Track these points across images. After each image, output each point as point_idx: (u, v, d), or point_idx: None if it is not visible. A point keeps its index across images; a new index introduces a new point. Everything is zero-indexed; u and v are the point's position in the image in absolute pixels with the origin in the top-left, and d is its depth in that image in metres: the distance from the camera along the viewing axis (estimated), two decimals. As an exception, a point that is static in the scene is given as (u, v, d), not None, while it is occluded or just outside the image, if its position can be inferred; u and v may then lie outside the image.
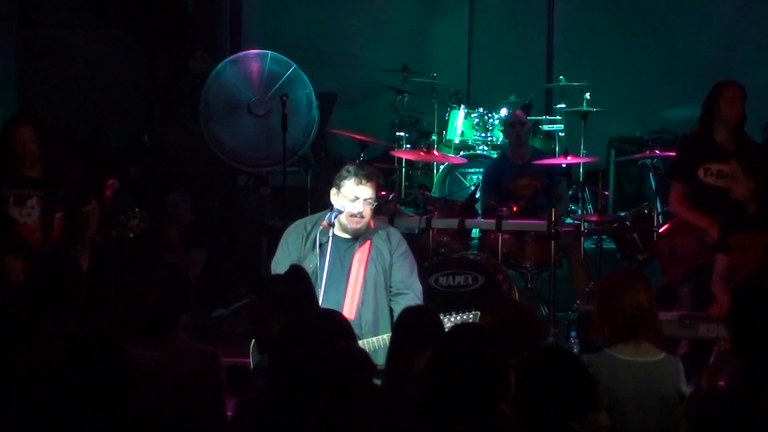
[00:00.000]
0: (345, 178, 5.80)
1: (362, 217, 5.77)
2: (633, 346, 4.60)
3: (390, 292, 5.89)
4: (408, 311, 4.97)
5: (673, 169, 7.49)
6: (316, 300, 5.21)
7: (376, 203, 5.84)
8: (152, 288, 4.68)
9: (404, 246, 5.95)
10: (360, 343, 5.50)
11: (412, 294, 5.86)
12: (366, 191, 5.77)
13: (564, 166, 8.78)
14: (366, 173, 5.83)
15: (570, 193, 9.42)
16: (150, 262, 6.96)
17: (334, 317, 4.72)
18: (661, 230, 7.53)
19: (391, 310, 5.84)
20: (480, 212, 8.53)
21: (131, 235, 6.62)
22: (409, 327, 4.73)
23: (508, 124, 9.14)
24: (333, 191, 5.85)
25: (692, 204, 7.10)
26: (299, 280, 5.04)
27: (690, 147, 7.30)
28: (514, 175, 8.72)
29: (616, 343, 4.61)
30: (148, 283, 4.69)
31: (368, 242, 5.87)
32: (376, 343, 5.63)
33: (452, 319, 5.61)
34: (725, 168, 6.94)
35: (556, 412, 3.69)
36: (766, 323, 4.00)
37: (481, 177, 9.68)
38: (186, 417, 4.43)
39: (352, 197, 5.76)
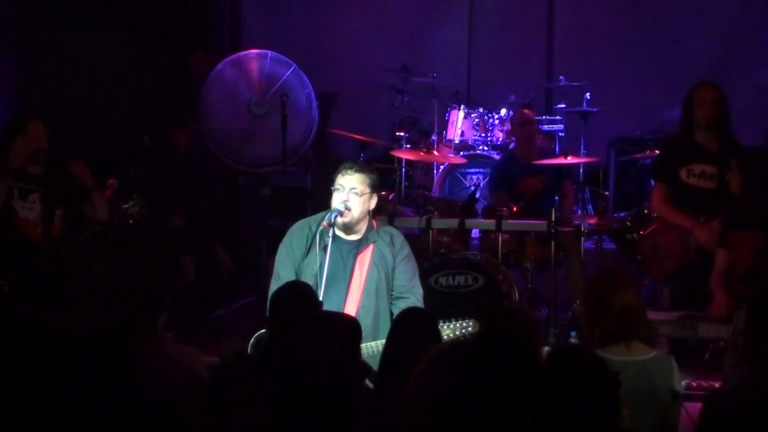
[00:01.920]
0: (336, 172, 5.82)
1: (348, 208, 5.74)
2: (624, 347, 4.60)
3: (391, 295, 5.87)
4: (403, 314, 4.94)
5: (656, 169, 7.52)
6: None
7: (363, 194, 5.76)
8: (125, 291, 4.70)
9: (407, 249, 5.92)
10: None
11: (413, 298, 5.83)
12: (350, 180, 5.74)
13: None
14: (352, 164, 5.83)
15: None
16: (124, 264, 7.00)
17: (341, 320, 4.72)
18: (644, 231, 7.55)
19: (392, 315, 5.80)
20: (481, 212, 8.53)
21: (131, 222, 6.63)
22: (404, 329, 4.72)
23: (516, 125, 9.11)
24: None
25: (675, 205, 7.13)
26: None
27: (672, 148, 7.34)
28: (521, 173, 8.72)
29: (607, 344, 4.60)
30: (120, 287, 4.70)
31: (371, 245, 5.84)
32: (375, 347, 5.60)
33: (452, 325, 5.59)
34: (708, 169, 7.00)
35: (582, 415, 3.63)
36: None
37: (481, 177, 9.67)
38: (169, 418, 4.41)
39: (338, 187, 5.76)
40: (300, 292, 4.84)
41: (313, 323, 4.60)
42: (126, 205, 6.60)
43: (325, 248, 5.68)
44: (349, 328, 4.58)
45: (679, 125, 7.30)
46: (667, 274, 7.10)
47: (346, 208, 5.73)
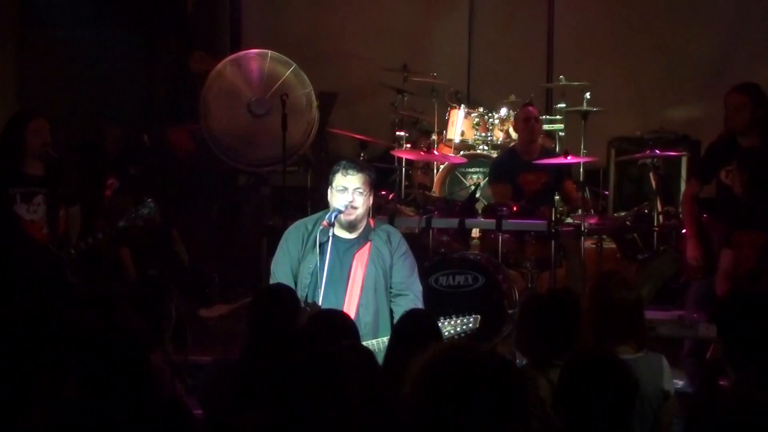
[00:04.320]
0: (334, 172, 5.82)
1: (354, 207, 5.76)
2: (615, 348, 4.56)
3: (390, 293, 5.87)
4: (406, 316, 4.95)
5: (695, 166, 7.52)
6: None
7: (366, 193, 5.77)
8: None
9: (404, 246, 5.91)
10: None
11: (412, 295, 5.82)
12: (353, 181, 5.74)
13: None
14: (352, 164, 5.83)
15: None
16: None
17: (337, 317, 4.72)
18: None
19: (391, 312, 5.80)
20: (481, 212, 8.52)
21: (141, 224, 6.68)
22: (407, 331, 4.72)
23: (521, 120, 9.09)
24: (328, 190, 5.86)
25: (707, 204, 7.11)
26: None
27: (716, 149, 7.33)
28: (522, 170, 8.71)
29: (599, 345, 4.57)
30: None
31: (368, 243, 5.84)
32: (375, 345, 5.60)
33: (452, 322, 5.59)
34: None
35: (602, 416, 3.60)
36: (755, 331, 3.98)
37: (481, 177, 9.67)
38: None
39: (341, 188, 5.76)
40: (279, 297, 4.88)
41: (292, 325, 4.61)
42: (138, 207, 6.64)
43: (322, 247, 5.69)
44: (342, 326, 4.58)
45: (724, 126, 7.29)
46: (702, 275, 7.07)
47: (353, 207, 5.74)
